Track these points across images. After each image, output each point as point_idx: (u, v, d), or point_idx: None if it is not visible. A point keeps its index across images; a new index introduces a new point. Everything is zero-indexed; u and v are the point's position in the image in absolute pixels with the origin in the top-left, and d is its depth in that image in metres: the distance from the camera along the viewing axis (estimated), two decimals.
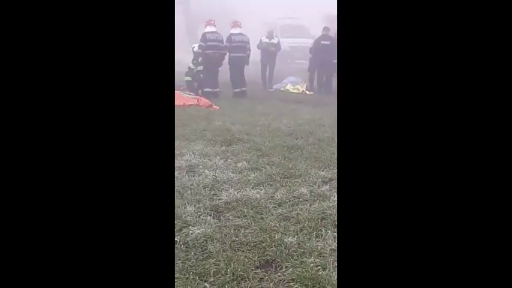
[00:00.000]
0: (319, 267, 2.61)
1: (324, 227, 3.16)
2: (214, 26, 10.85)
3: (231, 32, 11.11)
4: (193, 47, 11.39)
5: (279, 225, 3.20)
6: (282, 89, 12.76)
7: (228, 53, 10.94)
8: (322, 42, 12.00)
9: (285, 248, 2.83)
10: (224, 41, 10.89)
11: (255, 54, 12.19)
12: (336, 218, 3.23)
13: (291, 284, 2.48)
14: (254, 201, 3.64)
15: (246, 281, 2.47)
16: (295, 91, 12.53)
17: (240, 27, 11.21)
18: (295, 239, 2.97)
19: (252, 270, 2.58)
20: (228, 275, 2.50)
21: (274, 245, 2.86)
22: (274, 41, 12.95)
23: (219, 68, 10.91)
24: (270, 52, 12.82)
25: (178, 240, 2.88)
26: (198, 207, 3.48)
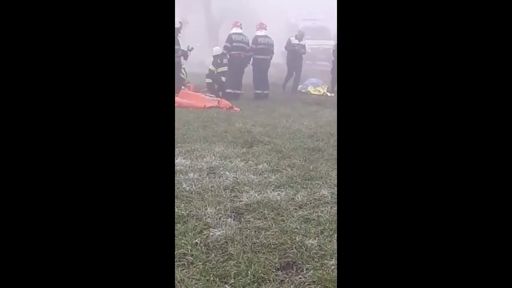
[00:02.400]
0: None
1: None
2: (241, 28, 10.88)
3: (257, 34, 11.11)
4: (213, 50, 11.42)
5: (300, 227, 3.19)
6: (303, 90, 12.73)
7: (252, 55, 10.95)
8: None
9: (305, 250, 2.81)
10: (249, 43, 10.90)
11: (276, 56, 12.15)
12: None
13: (311, 286, 2.47)
14: (275, 203, 3.64)
15: (266, 283, 2.47)
16: (317, 93, 12.51)
17: (266, 29, 11.20)
18: (316, 241, 2.95)
19: (273, 272, 2.57)
20: (249, 277, 2.49)
21: (295, 247, 2.85)
22: (303, 42, 12.45)
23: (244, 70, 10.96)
24: (299, 54, 12.28)
25: (198, 242, 2.89)
26: (218, 209, 3.49)
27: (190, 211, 3.40)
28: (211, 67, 11.14)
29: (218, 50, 11.13)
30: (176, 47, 10.18)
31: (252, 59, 11.00)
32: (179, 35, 10.52)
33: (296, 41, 12.35)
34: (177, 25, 10.38)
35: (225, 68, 10.84)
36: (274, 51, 11.55)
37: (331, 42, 14.76)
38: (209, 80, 11.08)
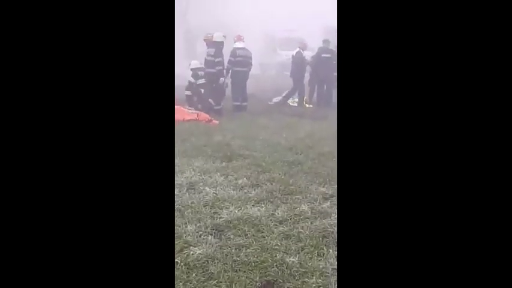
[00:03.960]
0: (321, 287, 2.60)
1: (325, 245, 3.15)
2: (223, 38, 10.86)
3: (235, 46, 11.03)
4: (190, 64, 11.36)
5: (280, 243, 3.19)
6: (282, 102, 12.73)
7: (231, 67, 10.90)
8: (322, 55, 11.98)
9: (286, 268, 2.82)
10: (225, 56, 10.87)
11: (253, 68, 12.16)
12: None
13: None
14: (255, 219, 3.64)
15: None
16: (295, 104, 12.53)
17: (243, 41, 11.16)
18: (296, 258, 2.96)
19: None
20: None
21: (276, 265, 2.85)
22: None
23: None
24: (304, 65, 12.29)
25: (179, 261, 2.87)
26: (198, 226, 3.48)
27: None
28: (191, 79, 11.08)
29: (196, 63, 11.10)
30: (219, 59, 10.23)
31: (230, 72, 10.95)
32: (222, 48, 10.49)
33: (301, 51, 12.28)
34: (221, 38, 10.40)
35: (203, 81, 10.78)
36: (252, 63, 11.55)
37: (309, 53, 14.77)
38: (188, 93, 11.04)
